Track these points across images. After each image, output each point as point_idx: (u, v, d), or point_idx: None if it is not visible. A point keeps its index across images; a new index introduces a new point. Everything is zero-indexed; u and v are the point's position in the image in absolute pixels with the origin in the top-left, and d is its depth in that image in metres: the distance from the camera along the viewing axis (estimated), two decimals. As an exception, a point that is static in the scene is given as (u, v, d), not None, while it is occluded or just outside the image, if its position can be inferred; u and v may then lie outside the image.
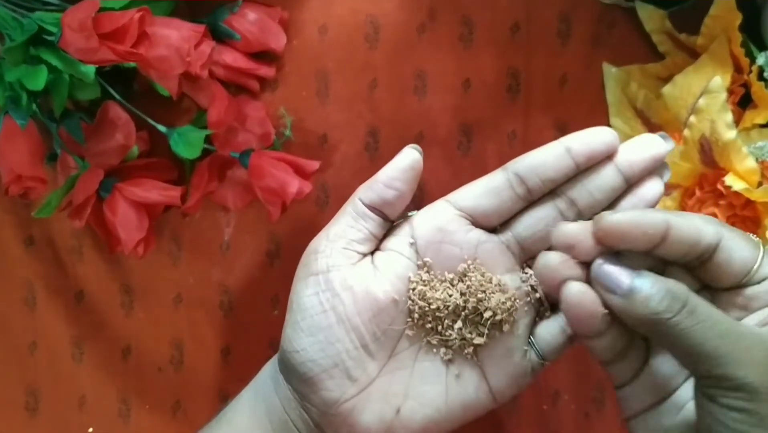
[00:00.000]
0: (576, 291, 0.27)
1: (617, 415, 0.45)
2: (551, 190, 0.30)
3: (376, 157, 0.44)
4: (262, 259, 0.45)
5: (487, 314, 0.29)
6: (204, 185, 0.42)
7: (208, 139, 0.41)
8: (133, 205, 0.40)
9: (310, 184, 0.41)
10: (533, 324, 0.31)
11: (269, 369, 0.33)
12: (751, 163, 0.37)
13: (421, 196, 0.44)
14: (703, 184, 0.39)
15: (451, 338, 0.30)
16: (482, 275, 0.30)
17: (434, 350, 0.31)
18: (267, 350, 0.45)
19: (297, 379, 0.30)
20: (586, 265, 0.27)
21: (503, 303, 0.29)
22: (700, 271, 0.28)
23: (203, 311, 0.45)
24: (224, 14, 0.41)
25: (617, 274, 0.26)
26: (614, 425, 0.45)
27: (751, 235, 0.28)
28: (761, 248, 0.27)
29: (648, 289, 0.25)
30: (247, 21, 0.42)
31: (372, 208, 0.31)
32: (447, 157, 0.44)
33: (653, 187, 0.30)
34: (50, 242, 0.45)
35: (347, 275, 0.30)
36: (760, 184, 0.38)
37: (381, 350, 0.30)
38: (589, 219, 0.29)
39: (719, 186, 0.38)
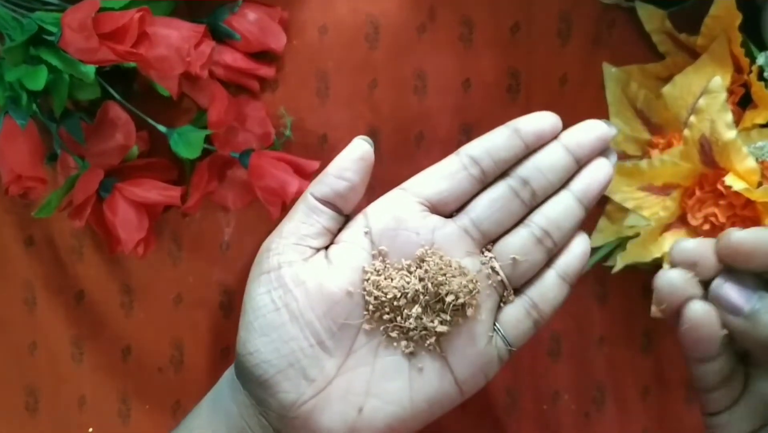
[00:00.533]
0: (700, 311, 0.26)
1: (617, 415, 0.45)
2: (504, 172, 0.31)
3: (376, 157, 0.44)
4: (262, 259, 0.45)
5: (448, 298, 0.28)
6: (204, 185, 0.42)
7: (208, 139, 0.41)
8: (133, 205, 0.40)
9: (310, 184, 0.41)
10: (497, 309, 0.31)
11: (227, 376, 0.32)
12: (751, 163, 0.37)
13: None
14: (703, 184, 0.40)
15: (412, 327, 0.29)
16: (441, 259, 0.29)
17: (394, 344, 0.29)
18: (267, 350, 0.45)
19: (253, 382, 0.29)
20: (704, 283, 0.27)
21: (465, 286, 0.28)
22: None
23: (203, 311, 0.45)
24: (224, 14, 0.41)
25: (740, 294, 0.26)
26: (614, 425, 0.45)
27: None
28: None
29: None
30: (247, 21, 0.42)
31: (324, 201, 0.30)
32: (447, 157, 0.44)
33: (603, 166, 0.31)
34: (50, 242, 0.45)
35: (299, 270, 0.29)
36: (760, 184, 0.38)
37: (338, 348, 0.29)
38: (544, 200, 0.30)
39: (719, 186, 0.38)
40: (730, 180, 0.37)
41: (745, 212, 0.39)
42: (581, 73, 0.44)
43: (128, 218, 0.40)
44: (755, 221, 0.39)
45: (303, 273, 0.29)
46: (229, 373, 0.32)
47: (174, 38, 0.36)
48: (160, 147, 0.43)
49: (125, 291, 0.46)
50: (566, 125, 0.44)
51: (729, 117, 0.37)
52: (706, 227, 0.40)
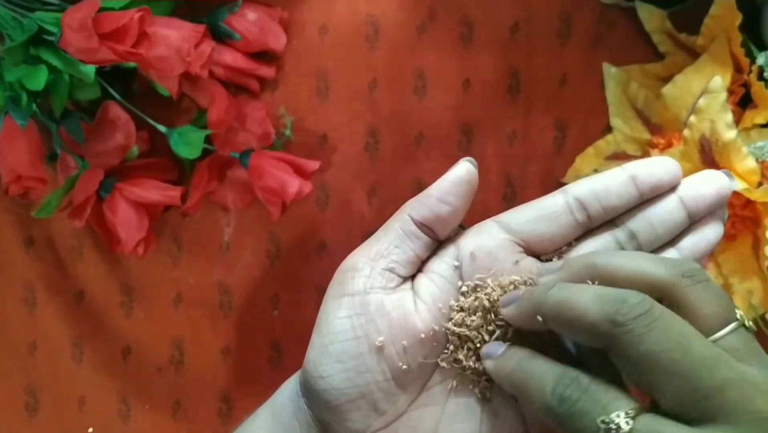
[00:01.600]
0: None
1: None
2: (610, 219, 0.28)
3: (376, 157, 0.44)
4: (262, 259, 0.45)
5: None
6: (204, 185, 0.42)
7: (208, 139, 0.41)
8: (133, 205, 0.40)
9: (310, 184, 0.41)
10: None
11: (289, 390, 0.30)
12: (751, 163, 0.37)
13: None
14: (703, 184, 0.40)
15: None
16: None
17: (470, 386, 0.28)
18: (267, 349, 0.45)
19: (320, 406, 0.28)
20: None
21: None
22: None
23: (203, 311, 0.45)
24: (224, 14, 0.41)
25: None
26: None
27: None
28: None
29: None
30: (247, 21, 0.42)
31: (422, 225, 0.28)
32: (447, 157, 0.44)
33: (715, 228, 0.28)
34: (50, 242, 0.45)
35: (386, 299, 0.28)
36: (760, 184, 0.38)
37: (413, 384, 0.28)
38: (649, 252, 0.28)
39: (719, 186, 0.38)
40: (730, 180, 0.37)
41: (745, 212, 0.39)
42: (581, 73, 0.44)
43: (128, 218, 0.40)
44: (755, 221, 0.39)
45: (389, 303, 0.28)
46: (290, 388, 0.30)
47: (174, 38, 0.36)
48: (160, 147, 0.43)
49: (125, 291, 0.46)
50: (566, 125, 0.44)
51: (729, 117, 0.37)
52: (706, 227, 0.40)
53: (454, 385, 0.28)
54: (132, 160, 0.42)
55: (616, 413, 0.23)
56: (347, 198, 0.44)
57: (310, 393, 0.28)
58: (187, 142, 0.40)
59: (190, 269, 0.45)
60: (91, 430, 0.46)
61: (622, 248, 0.28)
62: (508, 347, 0.27)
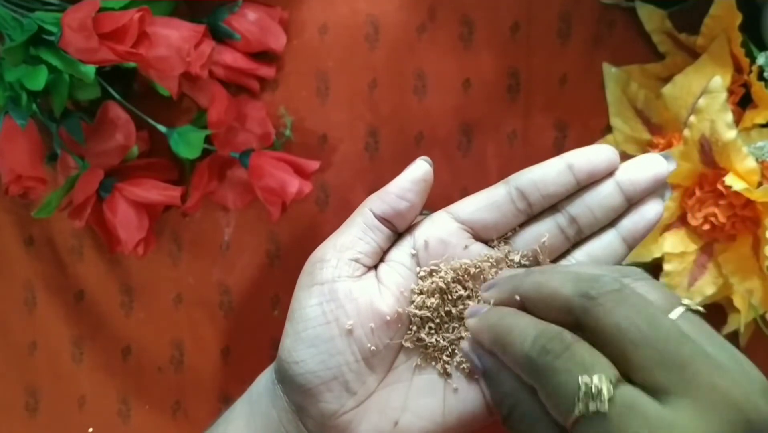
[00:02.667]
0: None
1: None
2: (552, 205, 0.30)
3: (376, 157, 0.44)
4: (262, 259, 0.45)
5: None
6: (204, 185, 0.42)
7: (208, 139, 0.41)
8: (133, 205, 0.40)
9: (310, 184, 0.41)
10: None
11: (264, 381, 0.33)
12: (751, 163, 0.37)
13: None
14: (703, 184, 0.40)
15: (449, 344, 0.30)
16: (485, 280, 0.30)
17: (432, 363, 0.30)
18: (267, 349, 0.45)
19: (296, 390, 0.30)
20: None
21: None
22: None
23: (203, 311, 0.45)
24: (224, 14, 0.41)
25: (474, 356, 0.29)
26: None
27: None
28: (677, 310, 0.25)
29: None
30: (247, 21, 0.42)
31: (383, 219, 0.31)
32: (447, 157, 0.44)
33: (654, 207, 0.30)
34: (50, 242, 0.45)
35: (353, 287, 0.30)
36: (760, 184, 0.38)
37: (381, 364, 0.30)
38: (588, 237, 0.30)
39: (719, 186, 0.38)
40: (730, 180, 0.37)
41: (745, 212, 0.39)
42: (581, 73, 0.44)
43: (128, 218, 0.40)
44: (755, 221, 0.39)
45: (356, 290, 0.30)
46: (266, 379, 0.32)
47: (174, 38, 0.36)
48: (160, 147, 0.43)
49: (125, 291, 0.46)
50: (566, 125, 0.44)
51: (729, 117, 0.37)
52: (706, 226, 0.40)
53: (419, 363, 0.31)
54: (132, 160, 0.42)
55: (599, 376, 0.23)
56: (347, 198, 0.44)
57: (285, 379, 0.30)
58: (187, 142, 0.40)
59: (190, 269, 0.45)
60: (91, 430, 0.46)
61: (564, 233, 0.30)
62: (492, 306, 0.28)
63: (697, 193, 0.40)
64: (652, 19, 0.43)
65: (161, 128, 0.41)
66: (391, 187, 0.31)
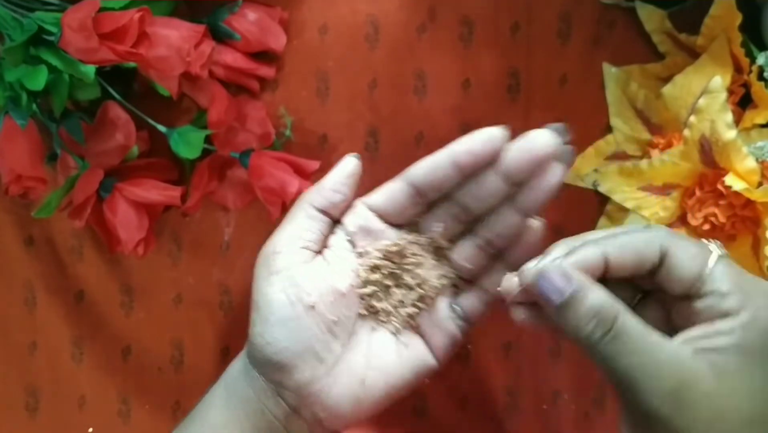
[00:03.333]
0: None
1: (617, 415, 0.45)
2: (447, 194, 0.33)
3: (376, 157, 0.44)
4: (262, 259, 0.45)
5: (419, 289, 0.35)
6: (204, 185, 0.42)
7: (208, 139, 0.41)
8: (133, 205, 0.40)
9: (310, 184, 0.41)
10: (455, 294, 0.36)
11: (237, 367, 0.36)
12: (751, 163, 0.37)
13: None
14: (703, 184, 0.40)
15: (394, 310, 0.35)
16: (413, 256, 0.35)
17: (384, 325, 0.35)
18: (267, 350, 0.45)
19: (271, 367, 0.33)
20: None
21: (428, 279, 0.35)
22: (653, 277, 0.28)
23: (203, 310, 0.45)
24: (224, 14, 0.41)
25: (554, 286, 0.27)
26: (614, 425, 0.45)
27: (708, 241, 0.28)
28: (713, 255, 0.27)
29: (574, 312, 0.27)
30: (247, 21, 0.42)
31: (322, 211, 0.34)
32: (447, 157, 0.45)
33: (555, 173, 0.31)
34: (50, 242, 0.45)
35: (307, 269, 0.33)
36: (760, 184, 0.38)
37: (342, 332, 0.34)
38: (485, 214, 0.33)
39: (719, 186, 0.38)
40: (730, 180, 0.37)
41: (745, 212, 0.39)
42: (581, 73, 0.44)
43: (128, 218, 0.40)
44: (755, 221, 0.39)
45: (311, 272, 0.33)
46: (239, 364, 0.36)
47: (174, 38, 0.36)
48: (160, 147, 0.43)
49: (125, 291, 0.46)
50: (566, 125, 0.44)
51: (729, 117, 0.37)
52: (706, 227, 0.40)
53: (373, 326, 0.35)
54: (132, 160, 0.42)
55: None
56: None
57: (260, 361, 0.34)
58: (187, 142, 0.41)
59: (190, 269, 0.45)
60: (91, 430, 0.46)
61: (458, 219, 0.34)
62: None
63: (697, 193, 0.40)
64: (652, 19, 0.43)
65: (161, 128, 0.41)
66: (326, 182, 0.35)
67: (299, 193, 0.40)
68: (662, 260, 0.27)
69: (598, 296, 0.26)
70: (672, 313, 0.29)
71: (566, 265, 0.27)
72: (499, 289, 0.31)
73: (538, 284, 0.28)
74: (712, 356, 0.25)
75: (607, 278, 0.28)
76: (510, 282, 0.30)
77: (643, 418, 0.26)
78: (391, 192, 0.34)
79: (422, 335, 0.35)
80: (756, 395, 0.25)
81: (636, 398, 0.26)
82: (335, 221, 0.35)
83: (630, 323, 0.26)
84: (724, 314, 0.26)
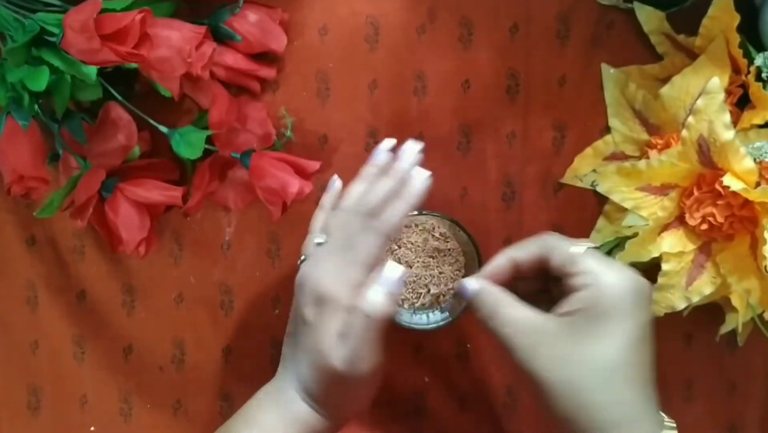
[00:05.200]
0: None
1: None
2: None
3: (376, 157, 0.44)
4: (263, 258, 0.45)
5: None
6: (205, 185, 0.42)
7: (209, 140, 0.41)
8: (134, 205, 0.40)
9: (311, 184, 0.41)
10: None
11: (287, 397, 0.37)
12: (749, 163, 0.37)
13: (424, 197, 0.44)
14: (702, 184, 0.40)
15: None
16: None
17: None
18: (268, 349, 0.45)
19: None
20: None
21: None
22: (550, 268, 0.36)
23: (204, 310, 0.46)
24: (225, 16, 0.42)
25: (462, 287, 0.37)
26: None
27: (581, 241, 0.35)
28: (582, 248, 0.34)
29: (475, 304, 0.36)
30: (248, 22, 0.42)
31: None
32: (447, 157, 0.45)
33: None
34: (52, 241, 0.45)
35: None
36: (758, 184, 0.38)
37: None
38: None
39: (717, 186, 0.38)
40: (728, 180, 0.37)
41: (743, 212, 0.39)
42: (580, 74, 0.44)
43: (130, 218, 0.40)
44: (753, 221, 0.39)
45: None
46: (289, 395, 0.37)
47: (175, 39, 0.37)
48: (161, 147, 0.43)
49: (127, 291, 0.46)
50: (565, 126, 0.45)
51: (727, 117, 0.37)
52: (704, 226, 0.40)
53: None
54: (133, 161, 0.42)
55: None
56: (347, 198, 0.44)
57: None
58: (188, 143, 0.41)
59: (191, 268, 0.45)
60: (92, 429, 0.46)
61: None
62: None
63: (695, 193, 0.40)
64: (650, 20, 0.43)
65: (163, 129, 0.41)
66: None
67: (300, 193, 0.40)
68: (549, 255, 0.35)
69: (485, 291, 0.35)
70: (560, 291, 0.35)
71: (479, 275, 0.36)
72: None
73: (459, 290, 0.37)
74: (566, 318, 0.33)
75: (522, 274, 0.36)
76: (458, 285, 0.38)
77: (518, 369, 0.34)
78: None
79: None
80: (602, 349, 0.32)
81: (512, 356, 0.34)
82: None
83: (503, 304, 0.35)
84: (579, 288, 0.33)
